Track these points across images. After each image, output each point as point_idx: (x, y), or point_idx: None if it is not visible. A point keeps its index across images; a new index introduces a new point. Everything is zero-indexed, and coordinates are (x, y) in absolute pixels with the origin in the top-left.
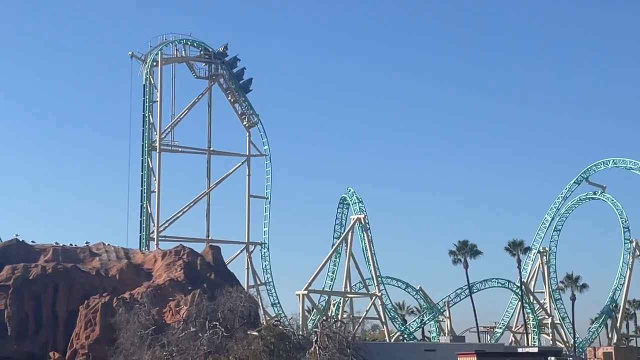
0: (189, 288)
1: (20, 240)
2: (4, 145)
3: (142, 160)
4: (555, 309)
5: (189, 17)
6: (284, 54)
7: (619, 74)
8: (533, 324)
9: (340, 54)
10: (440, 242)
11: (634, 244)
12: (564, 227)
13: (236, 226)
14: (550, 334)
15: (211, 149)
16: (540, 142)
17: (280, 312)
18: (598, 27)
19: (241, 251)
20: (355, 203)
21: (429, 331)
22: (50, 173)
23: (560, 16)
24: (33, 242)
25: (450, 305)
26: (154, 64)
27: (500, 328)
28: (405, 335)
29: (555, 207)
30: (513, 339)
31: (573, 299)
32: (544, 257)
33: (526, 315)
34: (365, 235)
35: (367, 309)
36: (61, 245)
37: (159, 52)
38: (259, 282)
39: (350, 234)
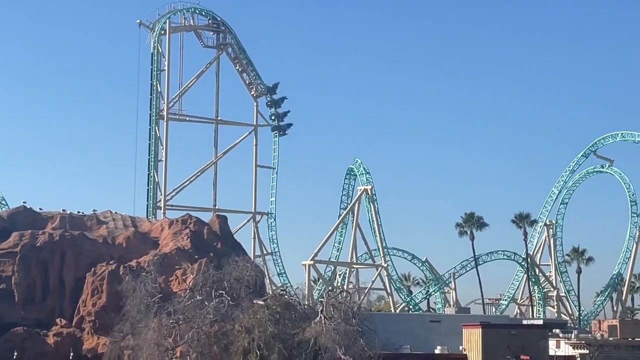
0: (196, 257)
1: (28, 207)
2: (12, 114)
3: (150, 129)
4: (560, 281)
5: None
6: (293, 16)
7: (628, 48)
8: (538, 297)
9: (352, 18)
10: (446, 214)
11: None
12: (570, 200)
13: (243, 196)
14: (556, 307)
15: (219, 118)
16: (548, 115)
17: (286, 281)
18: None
19: (248, 221)
20: (362, 174)
21: (435, 302)
22: (58, 141)
23: None
24: (41, 209)
25: (455, 277)
26: (162, 32)
27: (506, 300)
28: (411, 306)
29: (562, 180)
30: (518, 311)
31: (579, 272)
32: (551, 230)
33: (531, 288)
34: (372, 206)
35: (373, 279)
36: (68, 212)
37: (167, 20)
38: (265, 252)
39: (357, 205)
